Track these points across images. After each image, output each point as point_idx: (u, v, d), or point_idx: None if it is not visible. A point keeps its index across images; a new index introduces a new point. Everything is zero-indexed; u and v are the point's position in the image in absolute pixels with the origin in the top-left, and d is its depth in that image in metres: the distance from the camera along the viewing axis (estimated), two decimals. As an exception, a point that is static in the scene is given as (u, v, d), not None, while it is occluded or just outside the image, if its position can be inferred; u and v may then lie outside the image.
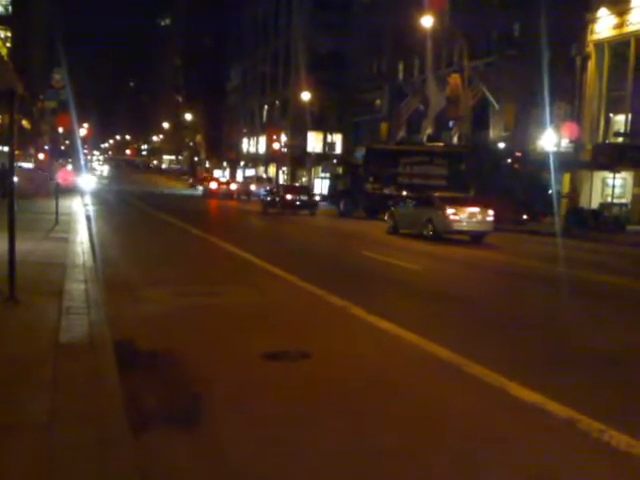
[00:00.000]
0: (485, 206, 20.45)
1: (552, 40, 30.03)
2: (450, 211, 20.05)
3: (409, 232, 21.61)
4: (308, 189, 41.07)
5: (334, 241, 21.47)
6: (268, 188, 42.17)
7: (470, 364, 6.06)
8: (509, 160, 31.09)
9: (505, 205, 28.18)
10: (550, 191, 29.75)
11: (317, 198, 38.27)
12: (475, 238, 20.57)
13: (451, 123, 40.46)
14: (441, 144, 36.66)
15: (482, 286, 12.23)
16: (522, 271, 14.51)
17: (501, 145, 35.69)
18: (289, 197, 34.59)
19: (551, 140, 31.26)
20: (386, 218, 23.85)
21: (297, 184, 54.54)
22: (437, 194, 22.28)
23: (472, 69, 36.76)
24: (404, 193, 29.20)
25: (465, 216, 20.13)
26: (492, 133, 38.57)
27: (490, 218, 20.53)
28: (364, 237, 22.61)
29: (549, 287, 12.30)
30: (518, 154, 31.34)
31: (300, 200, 34.63)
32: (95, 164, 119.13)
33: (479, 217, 20.36)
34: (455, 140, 38.99)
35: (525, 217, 28.83)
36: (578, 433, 4.52)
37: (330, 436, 4.43)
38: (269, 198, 36.01)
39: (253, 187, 57.97)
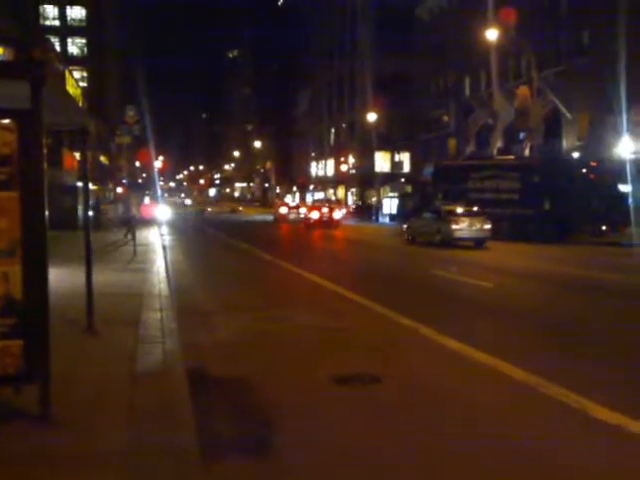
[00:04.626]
0: (483, 217, 24.56)
1: (624, 45, 29.01)
2: (453, 221, 24.13)
3: (422, 240, 25.29)
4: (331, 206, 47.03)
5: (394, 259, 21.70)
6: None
7: (547, 384, 5.85)
8: (584, 170, 29.95)
9: (580, 217, 27.29)
10: (630, 200, 28.50)
11: (340, 215, 43.76)
12: (477, 243, 24.29)
13: (522, 135, 39.53)
14: (512, 157, 35.81)
15: (559, 303, 11.79)
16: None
17: (575, 155, 34.58)
18: (316, 216, 41.03)
19: (628, 148, 30.09)
20: (404, 230, 27.74)
21: (320, 202, 56.07)
22: (444, 208, 25.85)
23: (541, 79, 35.92)
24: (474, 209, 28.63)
25: (465, 225, 24.07)
26: (565, 143, 37.46)
27: (487, 226, 24.34)
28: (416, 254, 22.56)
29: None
30: (593, 164, 30.20)
31: (326, 217, 40.77)
32: (169, 195, 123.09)
33: (477, 226, 24.28)
34: (527, 152, 38.05)
35: (604, 228, 27.73)
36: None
37: (405, 467, 4.34)
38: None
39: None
